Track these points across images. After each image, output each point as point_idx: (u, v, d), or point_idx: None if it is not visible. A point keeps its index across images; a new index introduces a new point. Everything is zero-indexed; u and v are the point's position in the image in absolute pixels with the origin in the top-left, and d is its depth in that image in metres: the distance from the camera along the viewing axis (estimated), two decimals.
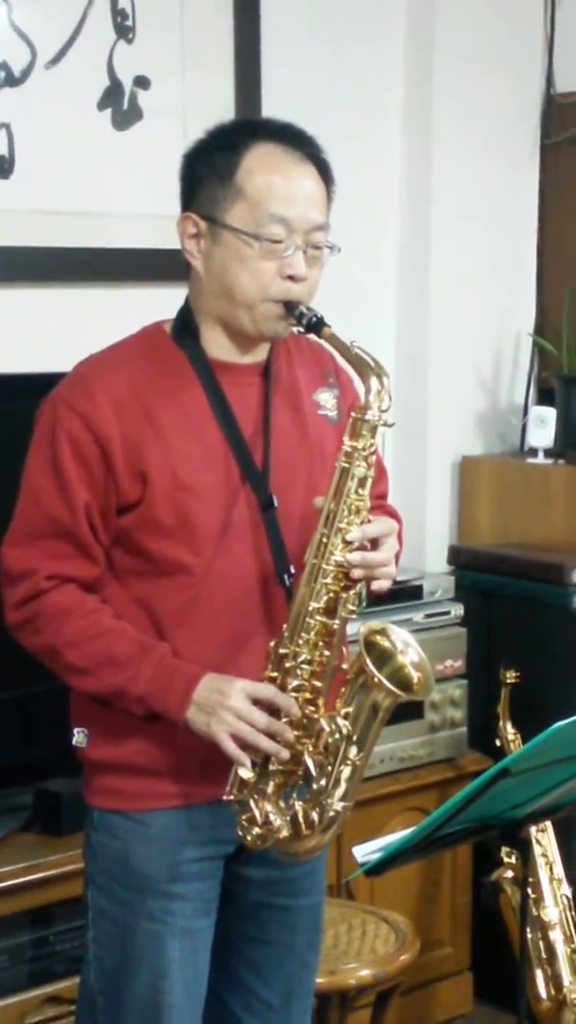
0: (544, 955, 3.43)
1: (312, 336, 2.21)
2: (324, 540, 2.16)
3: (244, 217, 2.16)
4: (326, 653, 2.17)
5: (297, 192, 2.17)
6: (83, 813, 2.34)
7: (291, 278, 2.17)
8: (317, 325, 2.17)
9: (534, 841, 3.42)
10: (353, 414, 2.18)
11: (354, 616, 2.18)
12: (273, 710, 2.14)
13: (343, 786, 2.16)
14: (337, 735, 2.15)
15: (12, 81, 3.20)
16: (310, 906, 2.40)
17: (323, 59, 3.74)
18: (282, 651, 2.17)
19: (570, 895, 3.48)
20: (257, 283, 2.17)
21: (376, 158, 3.90)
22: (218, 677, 2.15)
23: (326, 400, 2.35)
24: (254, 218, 2.15)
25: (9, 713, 3.09)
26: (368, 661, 2.13)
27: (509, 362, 4.15)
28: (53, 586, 2.20)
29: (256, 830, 2.16)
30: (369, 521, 2.18)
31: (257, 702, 2.13)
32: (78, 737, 2.28)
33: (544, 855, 3.46)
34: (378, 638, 2.18)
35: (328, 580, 2.16)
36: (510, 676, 3.56)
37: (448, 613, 3.72)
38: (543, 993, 3.43)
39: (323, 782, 2.16)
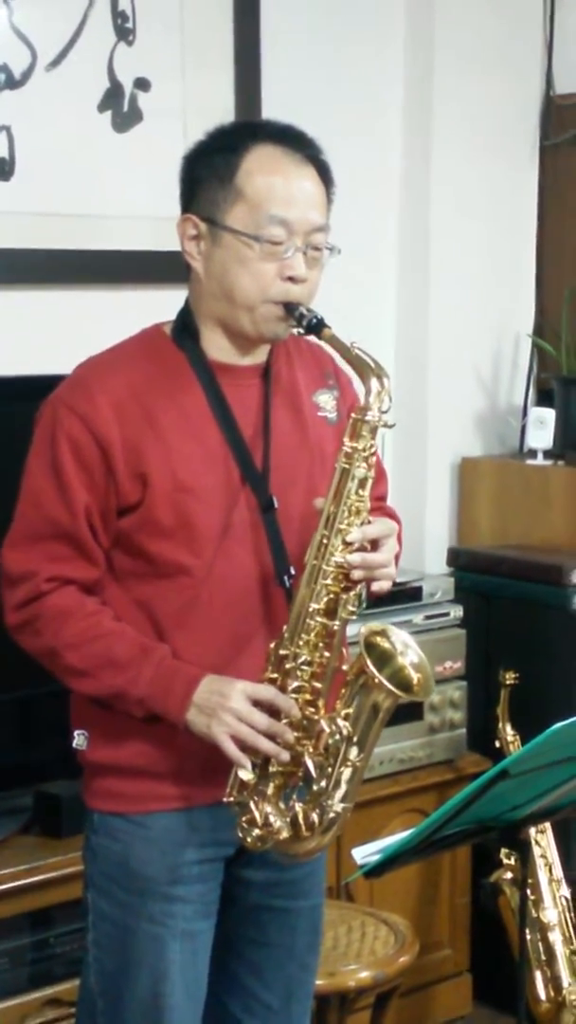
0: (543, 956, 3.43)
1: (312, 337, 2.21)
2: (324, 541, 2.16)
3: (244, 219, 2.16)
4: (326, 654, 2.17)
5: (297, 194, 2.17)
6: (83, 815, 2.34)
7: (291, 279, 2.17)
8: (317, 326, 2.17)
9: (533, 842, 3.42)
10: (353, 415, 2.18)
11: (354, 617, 2.19)
12: (273, 711, 2.14)
13: (343, 787, 2.16)
14: (337, 736, 2.15)
15: (12, 83, 3.21)
16: (310, 908, 2.39)
17: (323, 60, 3.75)
18: (282, 652, 2.17)
19: (569, 896, 3.48)
20: (257, 285, 2.17)
21: (376, 159, 3.90)
22: (218, 679, 2.15)
23: (326, 402, 2.35)
24: (254, 220, 2.16)
25: (9, 715, 3.09)
26: (368, 662, 2.13)
27: (508, 363, 4.15)
28: (53, 588, 2.20)
29: (256, 832, 2.16)
30: (369, 522, 2.18)
31: (257, 703, 2.13)
32: (78, 740, 2.28)
33: (543, 856, 3.46)
34: (378, 639, 2.19)
35: (328, 581, 2.16)
36: (509, 677, 3.57)
37: (447, 615, 3.72)
38: (542, 994, 3.43)
39: (323, 783, 2.16)
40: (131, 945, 2.25)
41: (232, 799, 2.17)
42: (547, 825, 3.45)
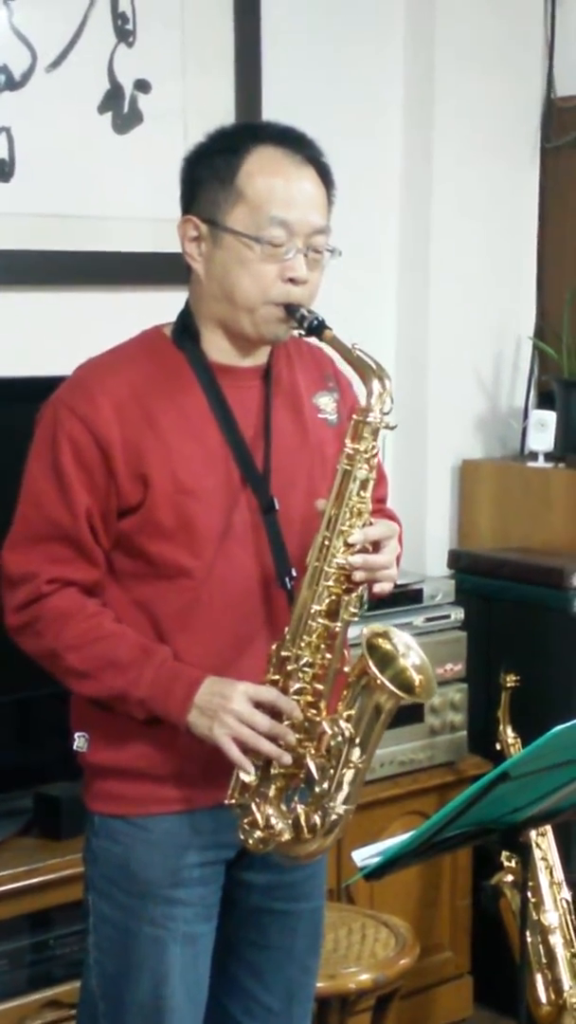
0: (544, 959, 3.42)
1: (313, 339, 2.21)
2: (326, 543, 2.15)
3: (245, 220, 2.16)
4: (328, 656, 2.17)
5: (298, 195, 2.17)
6: (82, 817, 2.33)
7: (292, 281, 2.17)
8: (318, 328, 2.17)
9: (534, 845, 3.42)
10: (355, 416, 2.17)
11: (356, 619, 2.18)
12: (275, 713, 2.14)
13: (345, 789, 2.15)
14: (339, 738, 2.14)
15: (12, 84, 3.20)
16: (310, 910, 2.39)
17: (323, 61, 3.74)
18: (284, 654, 2.16)
19: (570, 899, 3.48)
20: (258, 286, 2.17)
21: (376, 160, 3.90)
22: (219, 680, 2.15)
23: (326, 404, 2.35)
24: (255, 221, 2.15)
25: (8, 717, 3.08)
26: (371, 663, 2.13)
27: (509, 365, 4.15)
28: (54, 590, 2.19)
29: (258, 834, 2.16)
30: (371, 524, 2.17)
31: (259, 705, 2.13)
32: (79, 742, 2.28)
33: (544, 859, 3.46)
34: (380, 641, 2.18)
35: (330, 583, 2.15)
36: (510, 680, 3.56)
37: (448, 617, 3.72)
38: (543, 997, 3.42)
39: (325, 785, 2.15)
40: (132, 948, 2.25)
41: (233, 801, 2.17)
42: (548, 828, 3.44)
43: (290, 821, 2.16)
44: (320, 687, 2.17)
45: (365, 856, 2.35)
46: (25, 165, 3.22)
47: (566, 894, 3.47)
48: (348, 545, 2.15)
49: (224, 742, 2.12)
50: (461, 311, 4.01)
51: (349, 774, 2.15)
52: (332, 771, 2.15)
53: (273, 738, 2.13)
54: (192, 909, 2.25)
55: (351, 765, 2.15)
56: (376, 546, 2.19)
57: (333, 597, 2.16)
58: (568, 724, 2.20)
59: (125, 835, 2.24)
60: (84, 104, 3.33)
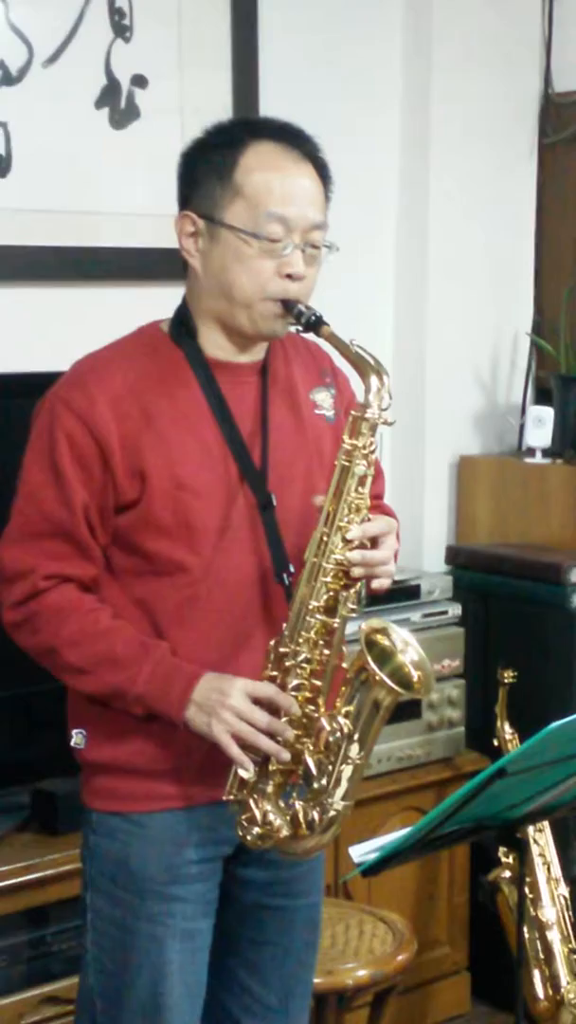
0: (542, 955, 3.43)
1: (311, 335, 2.21)
2: (324, 539, 2.15)
3: (242, 216, 2.15)
4: (326, 652, 2.17)
5: (295, 191, 2.16)
6: (80, 813, 2.33)
7: (289, 277, 2.17)
8: (316, 324, 2.16)
9: (531, 841, 3.43)
10: (353, 412, 2.17)
11: (354, 615, 2.18)
12: (273, 709, 2.13)
13: (344, 785, 2.15)
14: (338, 734, 2.14)
15: (9, 80, 3.20)
16: (308, 907, 2.39)
17: (321, 57, 3.74)
18: (282, 650, 2.16)
19: (567, 895, 3.48)
20: (255, 282, 2.17)
21: (374, 156, 3.90)
22: (218, 676, 2.15)
23: (323, 400, 2.35)
24: (252, 217, 2.15)
25: (5, 712, 3.08)
26: (369, 659, 2.13)
27: (507, 362, 4.15)
28: (51, 586, 2.19)
29: (256, 830, 2.16)
30: (369, 519, 2.17)
31: (257, 701, 2.13)
32: (76, 738, 2.27)
33: (541, 855, 3.46)
34: (379, 637, 2.18)
35: (328, 579, 2.15)
36: (508, 676, 3.56)
37: (446, 613, 3.72)
38: (540, 993, 3.42)
39: (324, 781, 2.16)
40: (130, 945, 2.25)
41: (231, 797, 2.17)
42: (545, 824, 3.45)
43: (288, 817, 2.16)
44: (318, 683, 2.17)
45: (362, 852, 2.35)
46: (22, 161, 3.21)
47: (563, 890, 3.48)
48: (346, 541, 2.15)
49: (222, 738, 2.12)
50: (459, 307, 4.01)
51: (347, 770, 2.15)
52: (330, 767, 2.15)
53: (271, 734, 2.13)
54: (190, 906, 2.25)
55: (349, 761, 2.15)
56: (374, 542, 2.19)
57: (331, 593, 2.16)
58: (565, 720, 2.20)
59: (123, 832, 2.24)
60: (81, 99, 3.33)
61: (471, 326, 4.05)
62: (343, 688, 2.17)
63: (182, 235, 2.22)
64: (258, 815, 2.15)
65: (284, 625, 2.17)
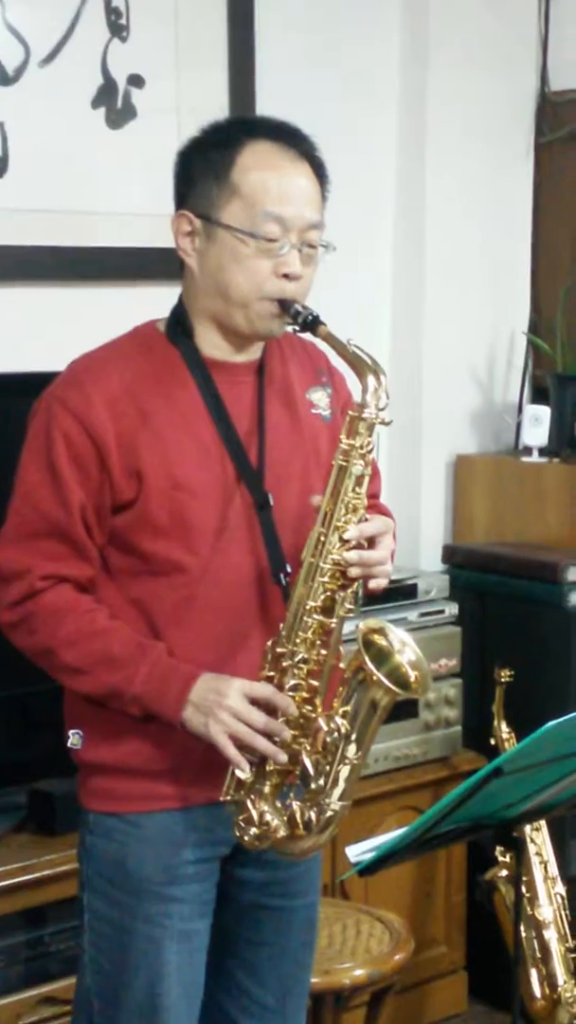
0: (539, 954, 3.43)
1: (308, 335, 2.20)
2: (321, 539, 2.15)
3: (239, 215, 2.15)
4: (323, 652, 2.17)
5: (292, 190, 2.16)
6: (77, 813, 2.33)
7: (286, 276, 2.17)
8: (313, 323, 2.16)
9: (528, 840, 3.43)
10: (350, 412, 2.17)
11: (351, 615, 2.18)
12: (270, 710, 2.13)
13: (341, 785, 2.15)
14: (335, 734, 2.14)
15: (6, 80, 3.20)
16: (305, 906, 2.39)
17: (317, 56, 3.74)
18: (279, 650, 2.16)
19: (564, 894, 3.48)
20: (252, 281, 2.17)
21: (371, 155, 3.90)
22: (215, 677, 2.15)
23: (319, 399, 2.35)
24: (249, 216, 2.15)
25: (2, 713, 3.08)
26: (367, 659, 2.13)
27: (504, 360, 4.15)
28: (48, 586, 2.19)
29: (253, 830, 2.16)
30: (366, 519, 2.17)
31: (254, 701, 2.13)
32: (73, 739, 2.27)
33: (538, 854, 3.46)
34: (376, 637, 2.18)
35: (325, 579, 2.15)
36: (504, 675, 3.56)
37: (442, 612, 3.72)
38: (537, 992, 3.43)
39: (321, 782, 2.15)
40: (127, 946, 2.24)
41: (228, 798, 2.17)
42: (542, 823, 3.45)
43: (285, 818, 2.16)
44: (315, 683, 2.17)
45: (359, 852, 2.35)
46: (18, 160, 3.21)
47: (560, 889, 3.48)
48: (343, 541, 2.15)
49: (220, 739, 2.12)
50: (455, 306, 4.01)
51: (344, 770, 2.15)
52: (328, 767, 2.15)
53: (269, 735, 2.12)
54: (187, 906, 2.25)
55: (347, 761, 2.15)
56: (371, 542, 2.18)
57: (328, 593, 2.16)
58: (562, 719, 2.20)
59: (120, 832, 2.24)
60: (77, 99, 3.33)
61: (468, 325, 4.05)
62: (340, 688, 2.17)
63: (178, 234, 2.22)
64: (255, 816, 2.15)
65: (281, 625, 2.17)
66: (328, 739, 2.15)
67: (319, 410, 2.34)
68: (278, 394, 2.30)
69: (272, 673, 2.16)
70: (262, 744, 2.12)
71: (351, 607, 2.17)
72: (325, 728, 2.15)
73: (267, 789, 2.16)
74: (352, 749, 2.15)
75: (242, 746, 2.12)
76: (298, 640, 2.15)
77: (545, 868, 3.47)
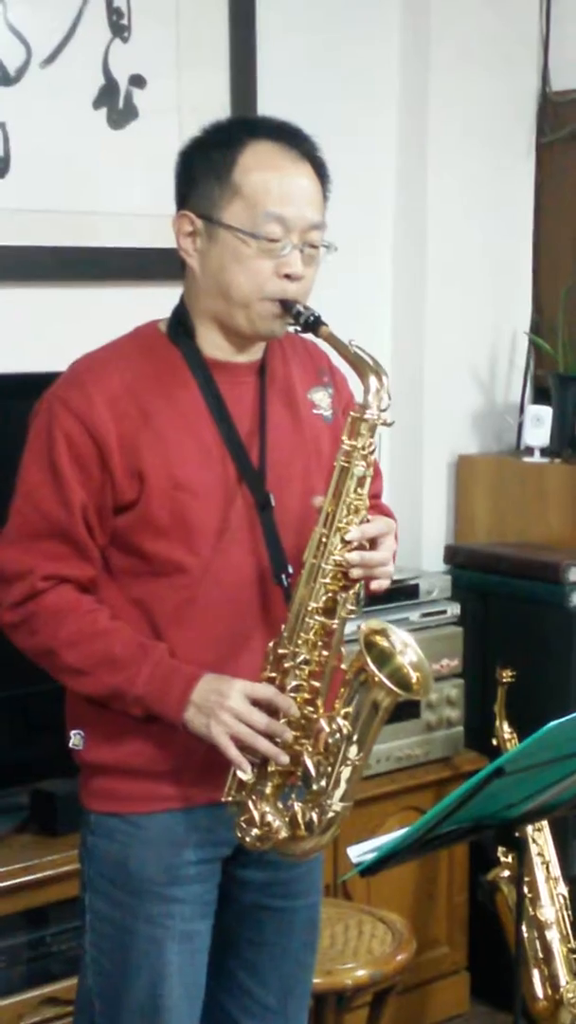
0: (541, 954, 3.43)
1: (310, 335, 2.20)
2: (323, 540, 2.15)
3: (241, 215, 2.15)
4: (324, 653, 2.17)
5: (294, 191, 2.16)
6: (79, 813, 2.33)
7: (288, 277, 2.16)
8: (315, 324, 2.16)
9: (530, 840, 3.43)
10: (352, 413, 2.17)
11: (353, 616, 2.18)
12: (272, 711, 2.13)
13: (343, 786, 2.15)
14: (337, 735, 2.14)
15: (7, 80, 3.20)
16: (307, 907, 2.39)
17: (319, 57, 3.74)
18: (281, 651, 2.16)
19: (566, 894, 3.48)
20: (254, 282, 2.16)
21: (372, 155, 3.90)
22: (217, 678, 2.15)
23: (321, 399, 2.35)
24: (251, 217, 2.15)
25: (4, 713, 3.08)
26: (368, 660, 2.12)
27: (505, 361, 4.15)
28: (49, 586, 2.19)
29: (255, 831, 2.15)
30: (368, 520, 2.17)
31: (256, 703, 2.13)
32: (74, 739, 2.27)
33: (540, 854, 3.46)
34: (378, 638, 2.18)
35: (327, 580, 2.15)
36: (506, 675, 3.57)
37: (444, 612, 3.72)
38: (540, 992, 3.43)
39: (323, 783, 2.15)
40: (129, 946, 2.24)
41: (230, 799, 2.17)
42: (544, 823, 3.45)
43: (287, 819, 2.16)
44: (317, 684, 2.17)
45: (361, 852, 2.35)
46: (20, 161, 3.21)
47: (562, 889, 3.48)
48: (345, 542, 2.15)
49: (221, 740, 2.12)
50: (457, 306, 4.01)
51: (346, 771, 2.15)
52: (329, 768, 2.15)
53: (270, 736, 2.12)
54: (189, 907, 2.25)
55: (348, 762, 2.15)
56: (373, 543, 2.18)
57: (330, 594, 2.15)
58: (564, 719, 2.20)
59: (121, 833, 2.24)
60: (79, 100, 3.32)
61: (469, 325, 4.04)
62: (342, 689, 2.17)
63: (180, 235, 2.22)
64: (257, 816, 2.15)
65: (283, 626, 2.17)
66: (330, 740, 2.14)
67: (321, 410, 2.33)
68: (279, 394, 2.30)
69: (274, 674, 2.16)
70: (263, 745, 2.12)
71: (353, 608, 2.17)
72: (327, 729, 2.14)
73: (269, 790, 2.16)
74: (354, 750, 2.15)
75: (244, 747, 2.12)
76: (300, 641, 2.15)
77: (547, 868, 3.47)
